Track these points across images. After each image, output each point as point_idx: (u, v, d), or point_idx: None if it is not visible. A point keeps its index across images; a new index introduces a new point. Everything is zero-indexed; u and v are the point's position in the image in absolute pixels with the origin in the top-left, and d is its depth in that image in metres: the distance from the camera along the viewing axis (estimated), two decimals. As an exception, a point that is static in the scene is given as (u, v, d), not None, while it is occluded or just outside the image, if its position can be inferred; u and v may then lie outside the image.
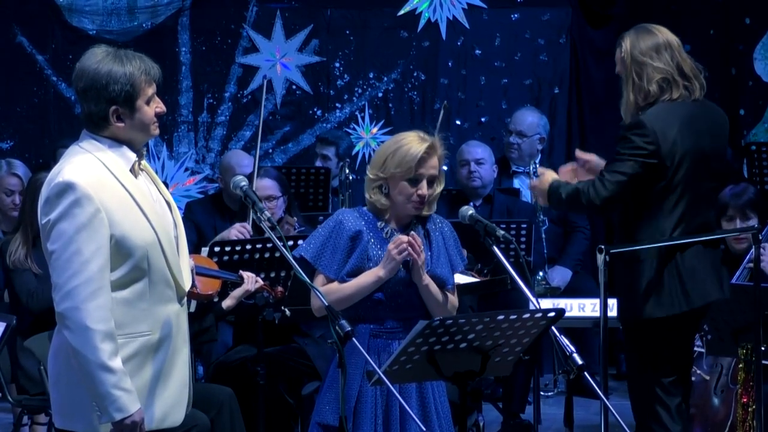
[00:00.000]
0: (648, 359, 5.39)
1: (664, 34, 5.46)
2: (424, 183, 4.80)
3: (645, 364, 5.40)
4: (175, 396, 4.23)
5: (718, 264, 5.49)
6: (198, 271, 5.59)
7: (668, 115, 5.33)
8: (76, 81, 4.14)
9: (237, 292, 6.15)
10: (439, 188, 4.88)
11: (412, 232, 4.83)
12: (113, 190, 4.08)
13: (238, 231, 6.91)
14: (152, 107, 4.16)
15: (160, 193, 4.29)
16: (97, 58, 4.12)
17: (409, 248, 4.75)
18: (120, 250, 4.06)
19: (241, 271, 6.11)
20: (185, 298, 4.28)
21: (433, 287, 4.86)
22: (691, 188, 5.36)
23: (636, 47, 5.42)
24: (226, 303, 6.20)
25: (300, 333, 6.86)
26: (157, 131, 4.21)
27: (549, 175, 5.56)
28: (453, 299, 4.97)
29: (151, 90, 4.15)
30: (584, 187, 5.38)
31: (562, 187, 5.47)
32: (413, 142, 4.81)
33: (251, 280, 6.10)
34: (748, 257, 6.48)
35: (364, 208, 4.94)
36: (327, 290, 4.76)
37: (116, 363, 4.01)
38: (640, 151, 5.28)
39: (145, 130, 4.17)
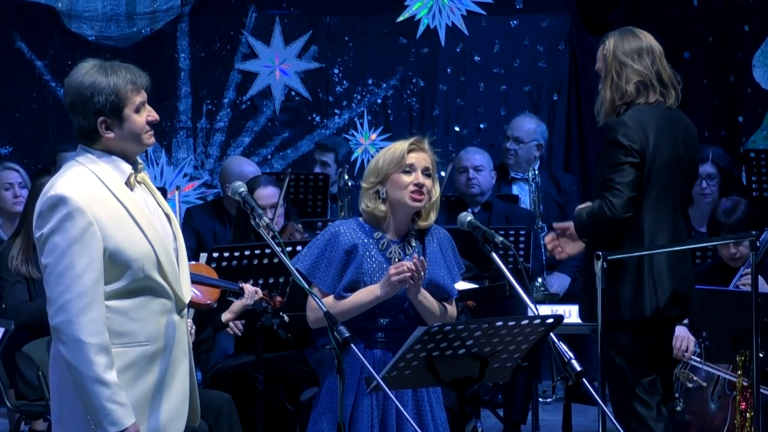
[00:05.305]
0: (623, 359, 5.41)
1: (647, 39, 5.53)
2: (419, 172, 4.84)
3: (621, 364, 5.41)
4: (174, 408, 4.20)
5: (691, 274, 5.53)
6: (197, 280, 5.58)
7: (646, 117, 5.41)
8: (64, 96, 4.13)
9: (236, 307, 6.16)
10: (436, 186, 4.90)
11: (420, 257, 4.82)
12: (106, 203, 4.06)
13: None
14: (143, 115, 4.12)
15: (159, 206, 4.26)
16: (82, 72, 4.11)
17: (410, 278, 4.75)
18: (115, 262, 4.04)
19: (241, 283, 6.10)
20: (185, 311, 4.26)
21: (428, 300, 4.84)
22: (668, 192, 5.41)
23: (619, 47, 5.51)
24: (226, 316, 6.21)
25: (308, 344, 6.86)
26: (151, 140, 4.17)
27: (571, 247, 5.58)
28: (452, 310, 4.96)
29: (139, 98, 4.11)
30: (597, 204, 5.34)
31: (581, 216, 5.45)
32: (398, 143, 4.92)
33: (250, 294, 6.09)
34: (746, 264, 6.49)
35: (361, 219, 4.95)
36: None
37: (111, 376, 3.99)
38: (630, 152, 5.32)
39: (137, 140, 4.13)
